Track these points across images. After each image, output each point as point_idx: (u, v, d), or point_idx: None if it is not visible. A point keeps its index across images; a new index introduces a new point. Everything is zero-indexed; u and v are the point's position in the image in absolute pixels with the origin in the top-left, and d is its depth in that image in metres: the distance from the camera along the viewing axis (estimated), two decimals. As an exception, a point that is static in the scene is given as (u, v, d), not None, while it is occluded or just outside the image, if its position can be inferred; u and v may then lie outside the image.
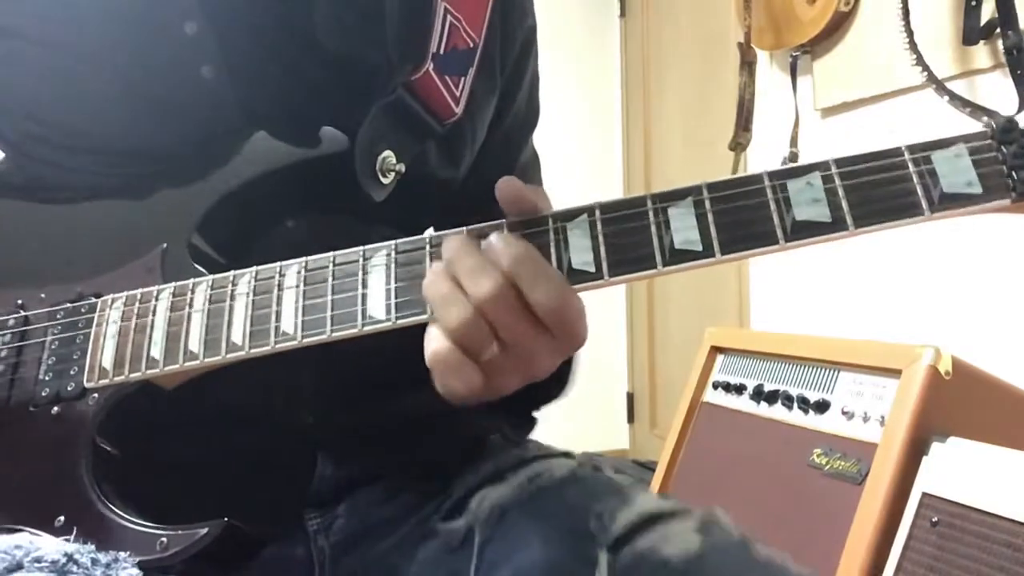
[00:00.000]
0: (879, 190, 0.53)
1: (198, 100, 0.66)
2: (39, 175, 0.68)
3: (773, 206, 0.54)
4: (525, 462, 0.74)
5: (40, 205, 0.68)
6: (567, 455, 0.76)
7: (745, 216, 0.54)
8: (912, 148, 0.53)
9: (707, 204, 0.54)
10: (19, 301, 0.66)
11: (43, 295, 0.66)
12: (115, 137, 0.66)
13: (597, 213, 0.56)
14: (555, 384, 0.67)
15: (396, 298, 0.57)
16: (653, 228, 0.55)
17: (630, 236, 0.55)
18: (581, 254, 0.55)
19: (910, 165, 0.53)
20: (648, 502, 0.66)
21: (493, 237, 0.55)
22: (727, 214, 0.54)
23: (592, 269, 0.55)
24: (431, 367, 0.55)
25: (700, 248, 0.54)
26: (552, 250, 0.56)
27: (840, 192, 0.53)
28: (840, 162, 0.54)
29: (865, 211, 0.53)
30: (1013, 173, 0.52)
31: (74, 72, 0.66)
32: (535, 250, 0.55)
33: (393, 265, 0.58)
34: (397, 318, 0.57)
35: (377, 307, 0.57)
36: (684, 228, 0.54)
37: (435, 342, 0.54)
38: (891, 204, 0.53)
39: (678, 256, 0.54)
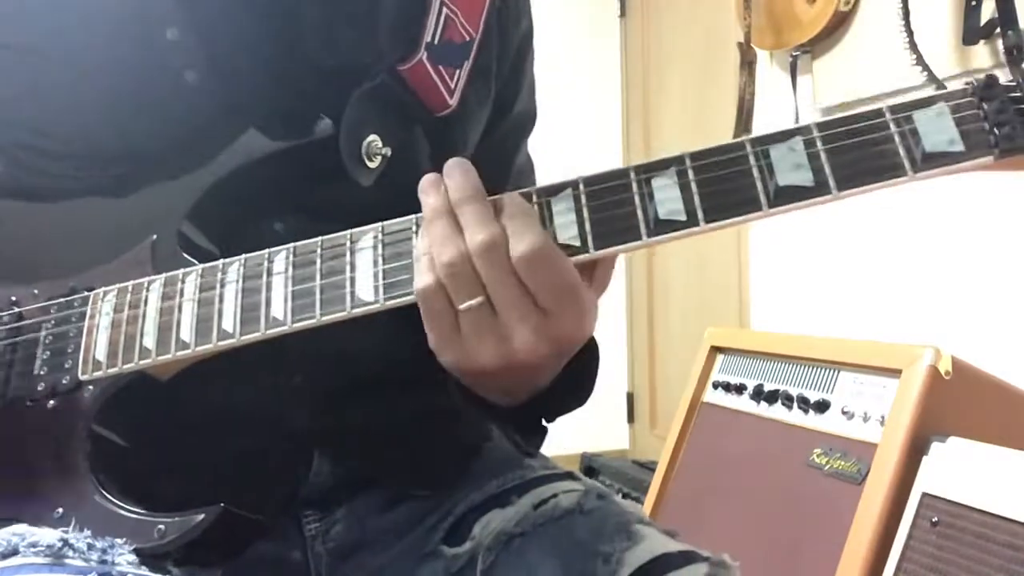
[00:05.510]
0: (861, 151, 0.53)
1: (183, 103, 0.66)
2: (29, 181, 0.68)
3: (756, 173, 0.53)
4: (530, 483, 0.73)
5: (30, 205, 0.69)
6: (571, 476, 0.76)
7: (728, 184, 0.54)
8: (894, 108, 0.53)
9: (690, 174, 0.54)
10: (13, 298, 0.66)
11: (36, 291, 0.66)
12: (103, 142, 0.67)
13: (581, 187, 0.56)
14: (568, 391, 0.66)
15: (384, 279, 0.57)
16: (637, 199, 0.55)
17: (614, 209, 0.55)
18: (566, 229, 0.55)
19: (892, 125, 0.53)
20: (656, 543, 0.66)
21: (504, 197, 0.56)
22: (710, 183, 0.54)
23: (578, 243, 0.55)
24: (418, 300, 0.56)
25: (684, 218, 0.54)
26: None
27: (822, 156, 0.53)
28: (822, 125, 0.54)
29: (848, 173, 0.52)
30: (995, 129, 0.51)
31: (60, 80, 0.67)
32: (533, 210, 0.56)
33: (380, 247, 0.58)
34: (386, 299, 0.57)
35: (366, 289, 0.57)
36: (668, 199, 0.54)
37: (424, 276, 0.55)
38: (874, 165, 0.52)
39: (663, 227, 0.54)
